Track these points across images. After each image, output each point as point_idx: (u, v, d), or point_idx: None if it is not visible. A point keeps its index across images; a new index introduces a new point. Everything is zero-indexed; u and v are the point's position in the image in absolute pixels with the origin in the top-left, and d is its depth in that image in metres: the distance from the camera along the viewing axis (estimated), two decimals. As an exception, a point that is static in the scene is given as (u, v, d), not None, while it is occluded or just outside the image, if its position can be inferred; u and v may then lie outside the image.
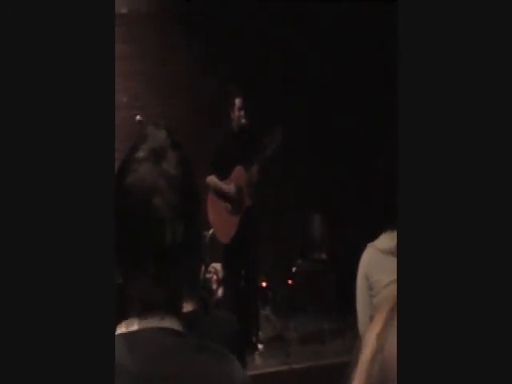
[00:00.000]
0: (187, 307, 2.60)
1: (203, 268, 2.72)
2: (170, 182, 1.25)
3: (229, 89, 6.01)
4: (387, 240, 2.60)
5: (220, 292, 5.51)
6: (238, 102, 5.89)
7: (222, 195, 5.93)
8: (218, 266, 5.32)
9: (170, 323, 1.26)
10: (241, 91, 5.95)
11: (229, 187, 5.91)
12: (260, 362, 5.72)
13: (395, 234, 2.56)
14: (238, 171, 5.93)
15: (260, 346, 5.95)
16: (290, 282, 6.87)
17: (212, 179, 5.94)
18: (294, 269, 6.91)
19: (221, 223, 5.92)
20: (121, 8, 6.97)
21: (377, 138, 6.95)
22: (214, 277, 4.96)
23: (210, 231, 5.78)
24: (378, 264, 2.60)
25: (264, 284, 6.65)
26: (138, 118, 5.60)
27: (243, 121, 5.88)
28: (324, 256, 7.09)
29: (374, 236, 2.71)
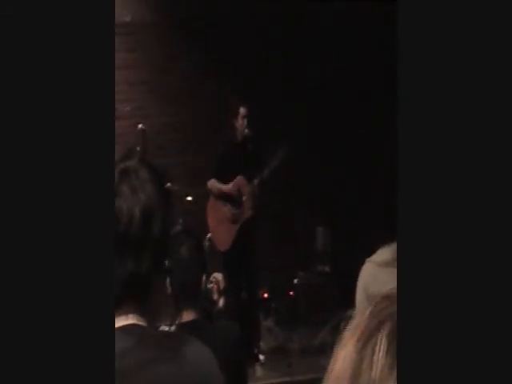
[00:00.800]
0: (188, 316, 2.61)
1: (205, 278, 2.74)
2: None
3: (231, 101, 6.01)
4: (383, 253, 2.65)
5: (221, 302, 5.50)
6: (242, 110, 5.88)
7: (223, 197, 5.93)
8: (219, 275, 5.32)
9: (135, 320, 1.34)
10: (245, 102, 5.94)
11: (229, 188, 5.92)
12: (261, 374, 5.73)
13: (390, 247, 2.60)
14: (239, 180, 5.94)
15: (262, 357, 5.94)
16: (292, 293, 6.87)
17: (212, 182, 5.96)
18: (296, 280, 6.89)
19: (219, 230, 5.95)
20: (124, 16, 6.96)
21: (377, 138, 6.96)
22: (215, 286, 4.95)
23: (207, 238, 5.77)
24: (374, 277, 2.66)
25: (266, 295, 6.66)
26: (140, 126, 5.62)
27: (246, 131, 5.87)
28: (327, 268, 7.09)
29: (375, 248, 2.75)
